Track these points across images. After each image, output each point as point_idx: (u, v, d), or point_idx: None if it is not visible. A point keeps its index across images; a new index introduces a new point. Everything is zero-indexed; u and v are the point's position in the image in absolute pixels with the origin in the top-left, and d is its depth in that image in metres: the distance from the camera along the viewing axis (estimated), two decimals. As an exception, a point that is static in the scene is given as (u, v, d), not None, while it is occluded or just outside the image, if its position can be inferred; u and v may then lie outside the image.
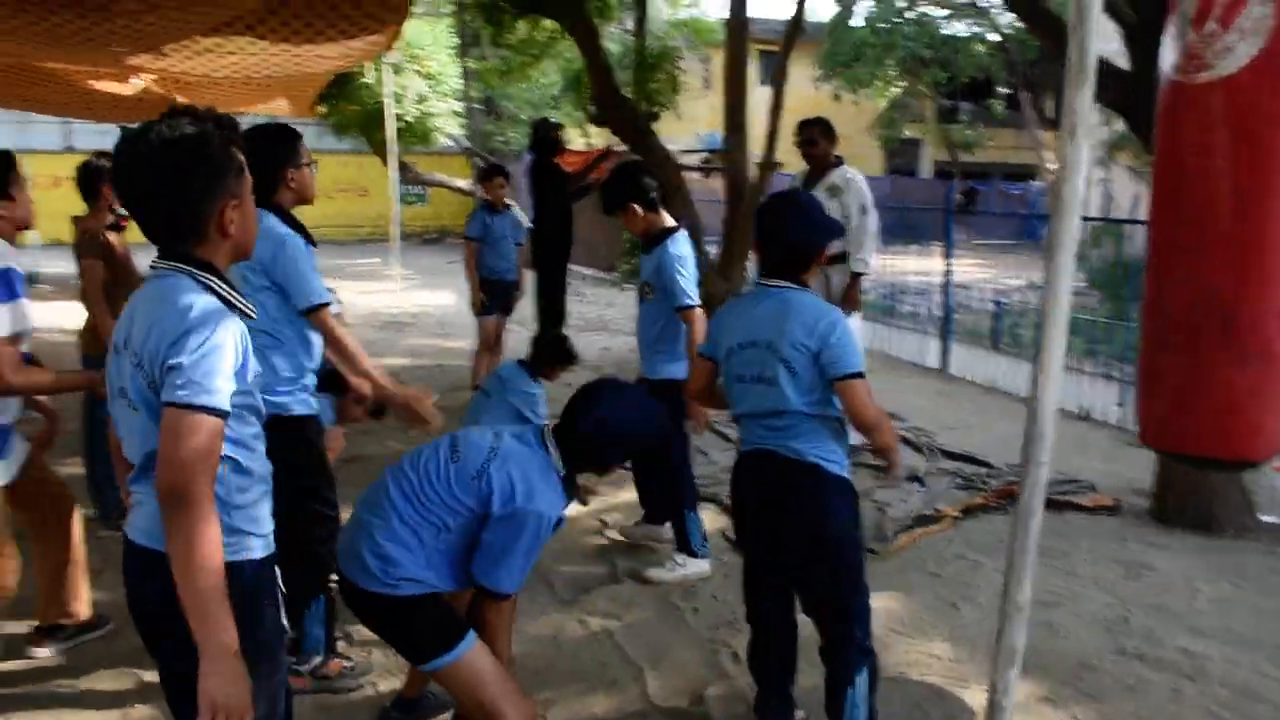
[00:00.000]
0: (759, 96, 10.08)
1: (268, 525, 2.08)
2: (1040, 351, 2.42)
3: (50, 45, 7.11)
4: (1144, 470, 5.36)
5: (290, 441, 3.38)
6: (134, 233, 3.58)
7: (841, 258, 6.02)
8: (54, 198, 25.14)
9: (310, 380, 3.45)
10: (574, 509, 4.83)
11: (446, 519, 2.46)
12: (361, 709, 3.31)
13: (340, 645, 3.57)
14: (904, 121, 29.26)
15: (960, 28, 27.10)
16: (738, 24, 8.89)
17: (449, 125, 16.37)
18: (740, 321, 2.83)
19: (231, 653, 1.79)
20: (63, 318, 9.30)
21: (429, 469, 2.48)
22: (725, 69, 9.16)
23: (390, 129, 13.86)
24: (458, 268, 11.33)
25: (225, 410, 1.82)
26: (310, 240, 3.38)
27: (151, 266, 1.93)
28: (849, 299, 6.00)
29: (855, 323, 6.13)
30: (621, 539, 4.76)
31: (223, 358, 1.81)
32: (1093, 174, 22.68)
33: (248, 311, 1.98)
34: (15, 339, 3.12)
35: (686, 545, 4.35)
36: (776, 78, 9.00)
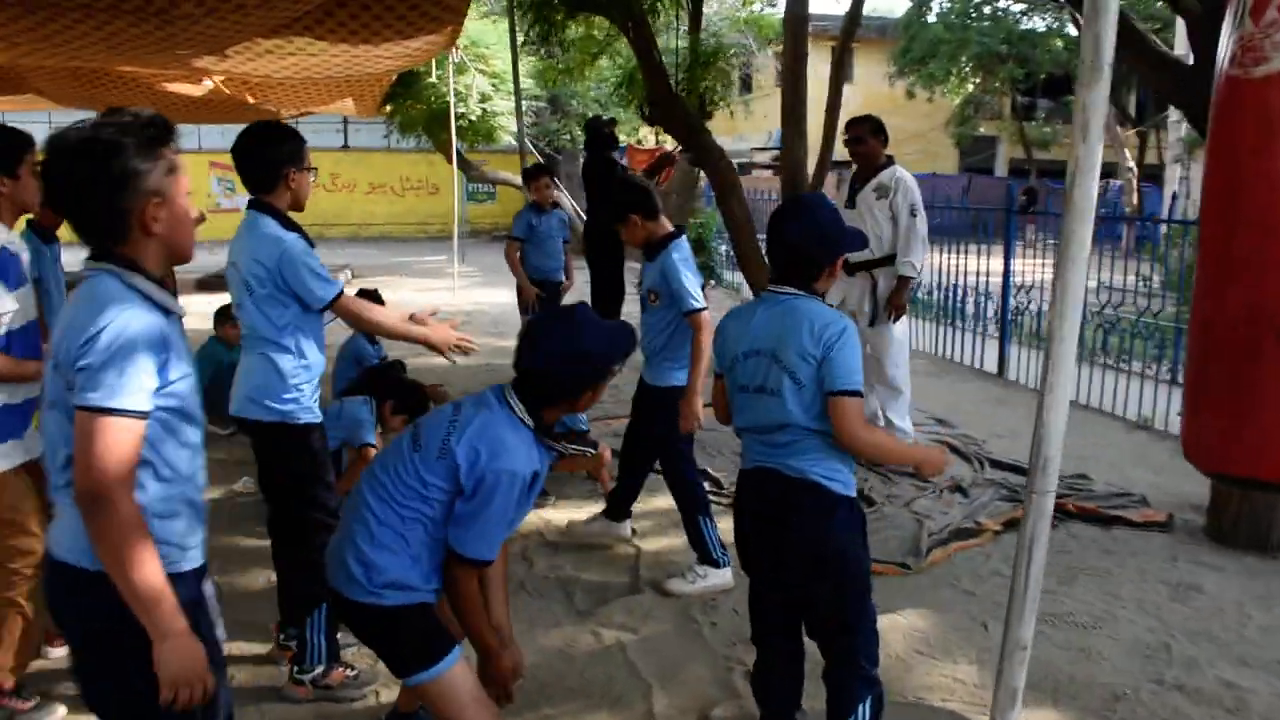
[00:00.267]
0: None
1: (194, 538, 2.02)
2: (1046, 374, 2.27)
3: (117, 50, 7.29)
4: (1202, 484, 5.09)
5: (293, 449, 3.38)
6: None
7: (889, 260, 5.85)
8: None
9: (314, 388, 3.43)
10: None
11: (425, 510, 2.37)
12: (363, 718, 3.27)
13: (351, 652, 3.54)
14: (979, 119, 28.66)
15: (1038, 22, 26.45)
16: (796, 19, 8.72)
17: (512, 124, 16.42)
18: (744, 329, 2.71)
19: (183, 632, 1.83)
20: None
21: (396, 467, 2.40)
22: (783, 66, 9.00)
23: (452, 128, 14.01)
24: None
25: (141, 411, 1.80)
26: (308, 241, 3.36)
27: (82, 268, 1.92)
28: (895, 303, 5.82)
29: (900, 328, 5.96)
30: (631, 546, 4.71)
31: (137, 358, 1.79)
32: (1172, 172, 21.94)
33: (174, 310, 1.95)
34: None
35: (707, 555, 4.25)
36: (834, 74, 8.82)
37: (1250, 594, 4.10)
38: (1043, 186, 27.47)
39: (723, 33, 11.75)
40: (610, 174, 7.78)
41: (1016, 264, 9.10)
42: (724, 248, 13.75)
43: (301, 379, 3.35)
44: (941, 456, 2.76)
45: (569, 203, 13.97)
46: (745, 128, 29.84)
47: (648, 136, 19.76)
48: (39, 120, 25.00)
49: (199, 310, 10.00)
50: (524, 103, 17.64)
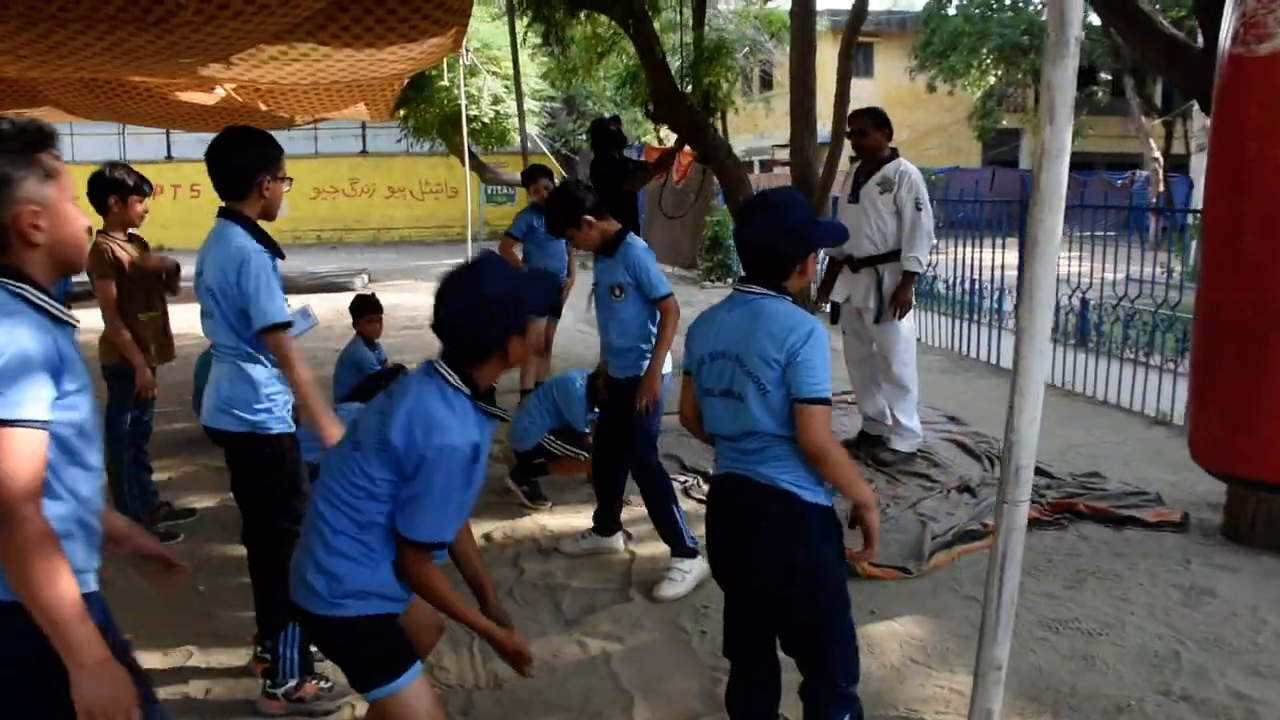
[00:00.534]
0: (854, 87, 9.81)
1: (91, 563, 1.93)
2: (1017, 376, 2.12)
3: (121, 60, 7.28)
4: (1219, 482, 4.91)
5: (265, 460, 3.30)
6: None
7: (894, 255, 5.70)
8: (158, 207, 26.13)
9: (287, 397, 3.35)
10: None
11: (378, 509, 2.25)
12: (335, 733, 3.18)
13: (328, 664, 3.45)
14: (1002, 111, 28.32)
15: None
16: (804, 13, 8.58)
17: (527, 125, 16.32)
18: (711, 329, 2.59)
19: (104, 659, 1.74)
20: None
21: (343, 470, 2.28)
22: (791, 61, 8.87)
23: (465, 131, 13.92)
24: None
25: (41, 421, 1.73)
26: (277, 253, 3.28)
27: None
28: (900, 299, 5.66)
29: (907, 324, 5.80)
30: (626, 552, 4.61)
31: (30, 367, 1.71)
32: (1199, 162, 21.53)
33: (68, 320, 1.87)
34: None
35: (681, 544, 4.19)
36: (841, 67, 8.68)
37: (1266, 597, 3.92)
38: (1069, 177, 27.07)
39: (731, 30, 11.57)
40: (620, 174, 7.64)
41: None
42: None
43: (274, 389, 3.29)
44: (875, 519, 2.52)
45: None
46: (767, 125, 29.68)
47: (668, 136, 19.64)
48: (60, 132, 25.28)
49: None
50: (538, 104, 17.68)
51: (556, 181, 7.24)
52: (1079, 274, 8.44)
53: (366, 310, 6.54)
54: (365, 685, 2.38)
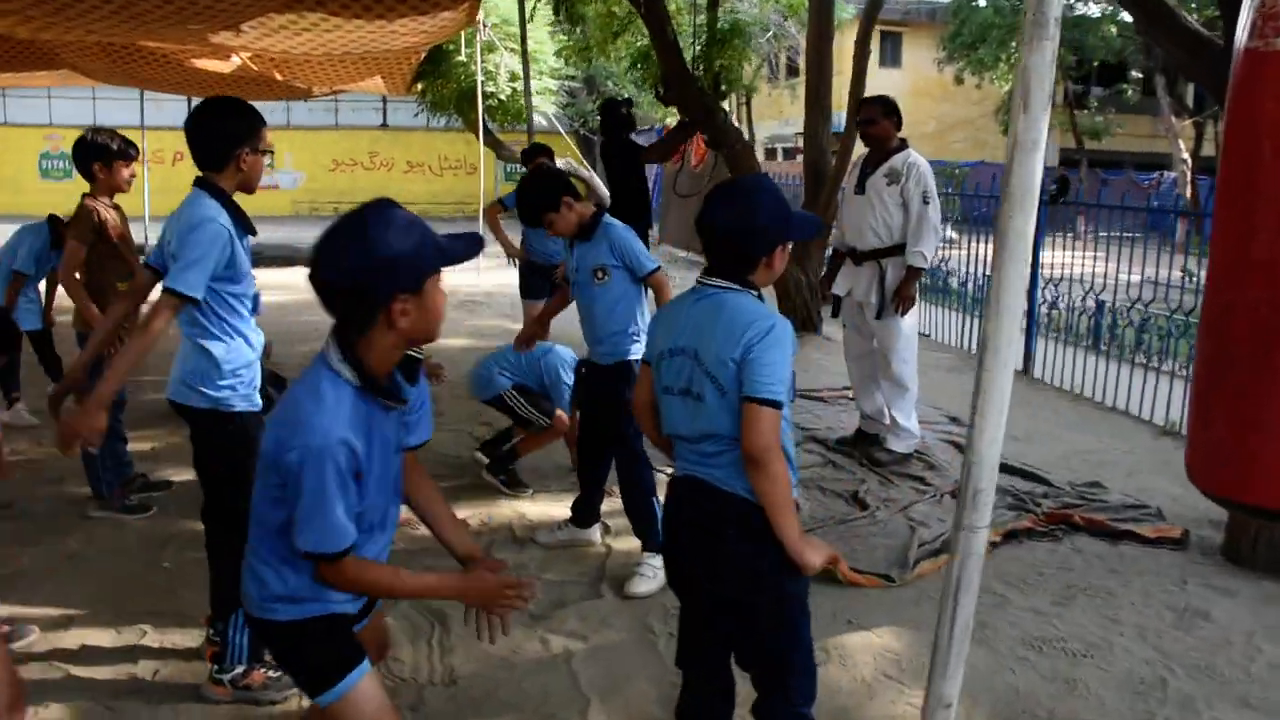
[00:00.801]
0: (881, 78, 9.64)
1: None
2: (979, 391, 1.96)
3: (130, 23, 7.20)
4: (1224, 499, 4.73)
5: (228, 438, 3.18)
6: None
7: (898, 249, 5.52)
8: (177, 173, 26.13)
9: (253, 374, 3.23)
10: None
11: (281, 514, 2.05)
12: (280, 723, 3.06)
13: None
14: (1029, 107, 27.89)
15: (1091, 7, 25.65)
16: (822, 3, 8.39)
17: (544, 103, 16.16)
18: (672, 323, 2.43)
19: None
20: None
21: (259, 471, 2.13)
22: (807, 46, 8.69)
23: (480, 107, 13.80)
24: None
25: None
26: (248, 228, 3.15)
27: None
28: (903, 295, 5.48)
29: (909, 321, 5.62)
30: (599, 547, 4.48)
31: None
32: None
33: None
34: None
35: (655, 541, 4.06)
36: (858, 54, 8.48)
37: (1263, 623, 3.74)
38: (1093, 176, 26.71)
39: (753, 14, 11.34)
40: (634, 159, 7.47)
41: (1061, 256, 8.70)
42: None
43: (238, 364, 3.16)
44: (820, 559, 2.33)
45: (598, 180, 13.70)
46: (792, 111, 29.37)
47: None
48: (83, 96, 25.29)
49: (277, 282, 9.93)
50: (556, 82, 17.48)
51: (558, 162, 7.11)
52: (1097, 275, 8.21)
53: None
54: (311, 690, 2.23)
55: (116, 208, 4.82)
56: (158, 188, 15.34)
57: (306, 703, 3.08)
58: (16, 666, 3.18)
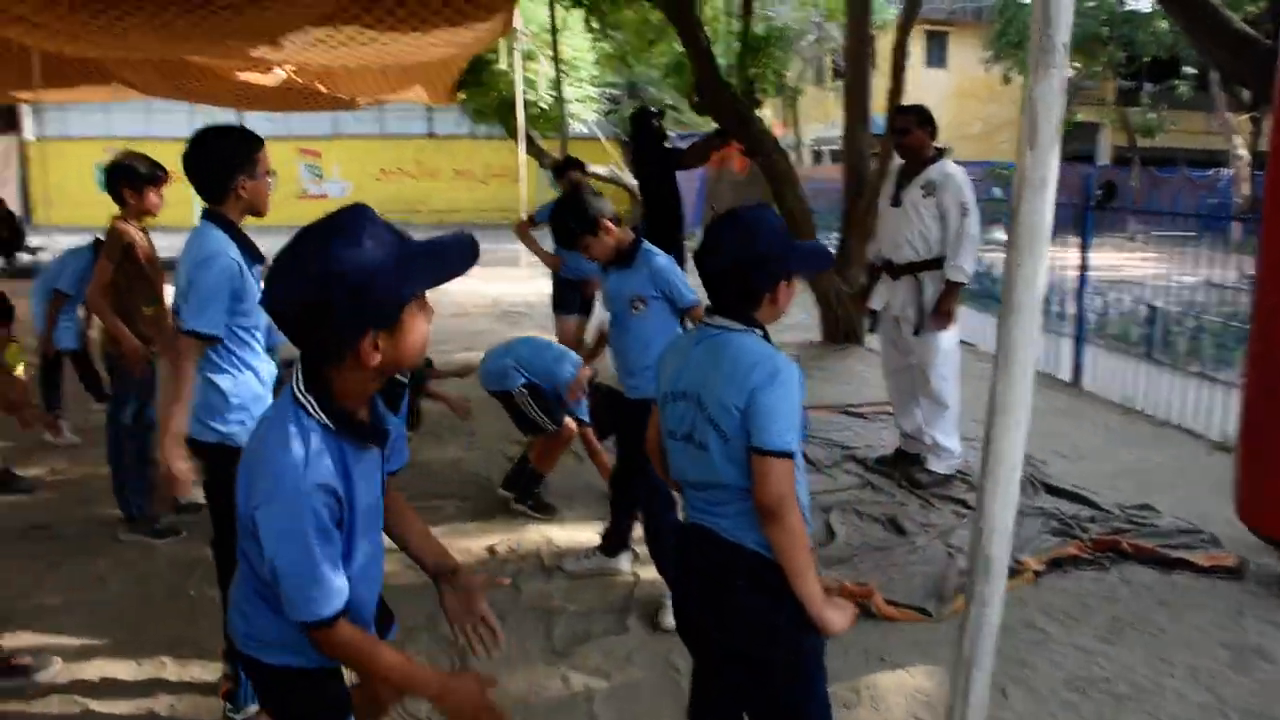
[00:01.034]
0: (927, 79, 9.44)
1: None
2: (989, 452, 1.81)
3: (171, 41, 7.29)
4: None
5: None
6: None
7: (936, 263, 5.34)
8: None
9: (262, 408, 3.16)
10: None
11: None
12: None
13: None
14: (1079, 105, 27.35)
15: (1143, 3, 25.07)
16: (860, 6, 8.22)
17: (584, 111, 16.12)
18: (675, 364, 2.30)
19: None
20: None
21: None
22: (846, 49, 8.52)
23: (520, 115, 13.76)
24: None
25: None
26: (257, 257, 3.09)
27: None
28: (942, 310, 5.31)
29: (949, 337, 5.44)
30: (627, 575, 4.36)
31: None
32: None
33: None
34: None
35: (622, 546, 4.03)
36: (896, 59, 8.27)
37: (1327, 665, 3.54)
38: (1147, 175, 26.12)
39: (795, 17, 11.19)
40: (665, 169, 7.32)
41: (1112, 257, 8.43)
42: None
43: (246, 398, 3.11)
44: (843, 622, 2.18)
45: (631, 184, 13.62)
46: (838, 114, 29.00)
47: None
48: (138, 109, 25.72)
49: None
50: (598, 89, 17.43)
51: (600, 169, 7.01)
52: (1151, 277, 7.95)
53: None
54: None
55: (144, 231, 4.80)
56: None
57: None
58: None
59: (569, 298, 6.95)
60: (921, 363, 5.46)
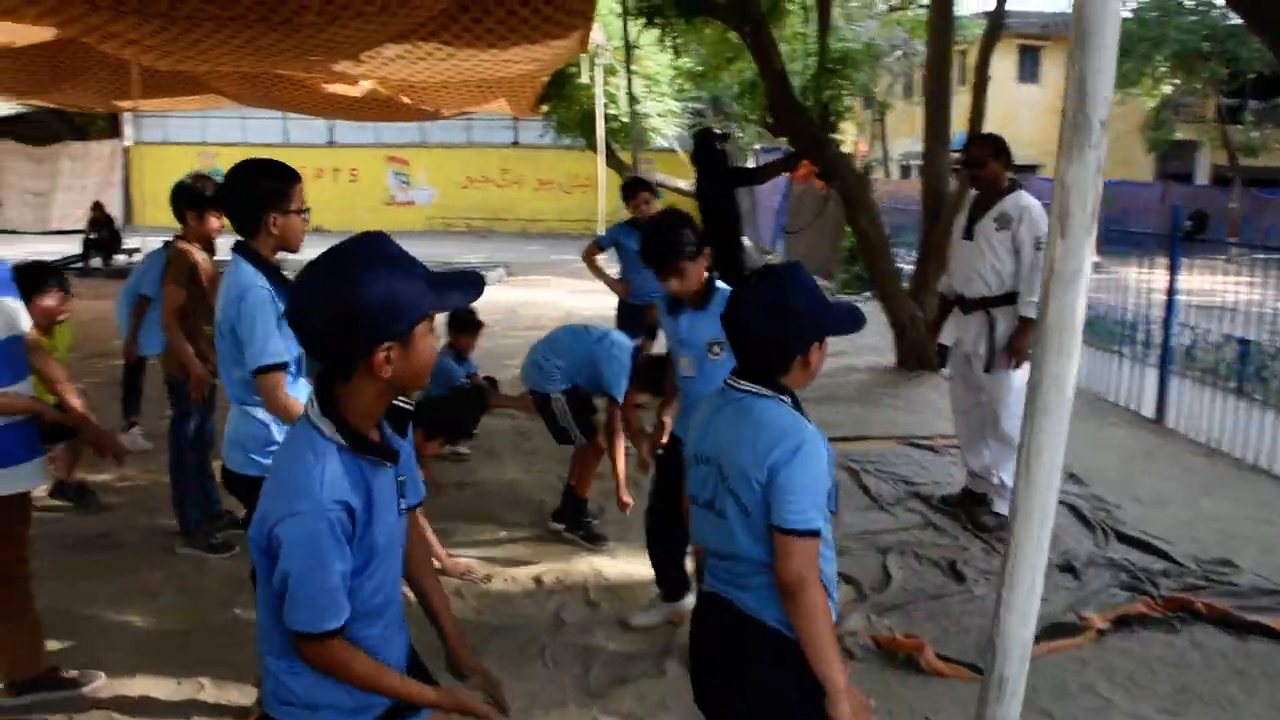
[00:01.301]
0: (1018, 94, 9.20)
1: None
2: (1009, 563, 1.69)
3: (256, 56, 7.50)
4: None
5: None
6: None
7: (1009, 298, 5.15)
8: (318, 189, 27.10)
9: None
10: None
11: None
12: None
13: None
14: (1178, 122, 26.43)
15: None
16: (941, 22, 8.02)
17: (666, 125, 16.09)
18: (700, 425, 2.22)
19: None
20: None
21: None
22: (926, 73, 8.33)
23: (600, 129, 13.79)
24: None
25: None
26: (286, 287, 3.09)
27: None
28: (1015, 348, 5.11)
29: (1021, 375, 5.23)
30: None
31: None
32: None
33: None
34: None
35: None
36: (978, 78, 8.05)
37: None
38: (1249, 195, 25.09)
39: (878, 32, 10.99)
40: (729, 195, 7.17)
41: (1205, 281, 8.05)
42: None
43: (286, 429, 3.11)
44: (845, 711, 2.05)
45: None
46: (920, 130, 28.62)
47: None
48: (234, 116, 26.52)
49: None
50: (681, 104, 17.38)
51: (680, 183, 6.94)
52: (1246, 303, 7.56)
53: (464, 326, 6.47)
54: None
55: (208, 252, 4.88)
56: (339, 202, 15.73)
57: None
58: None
59: (633, 321, 6.90)
60: (992, 401, 5.27)
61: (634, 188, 6.94)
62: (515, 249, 22.85)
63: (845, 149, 14.50)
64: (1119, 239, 9.31)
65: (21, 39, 7.38)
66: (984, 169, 5.20)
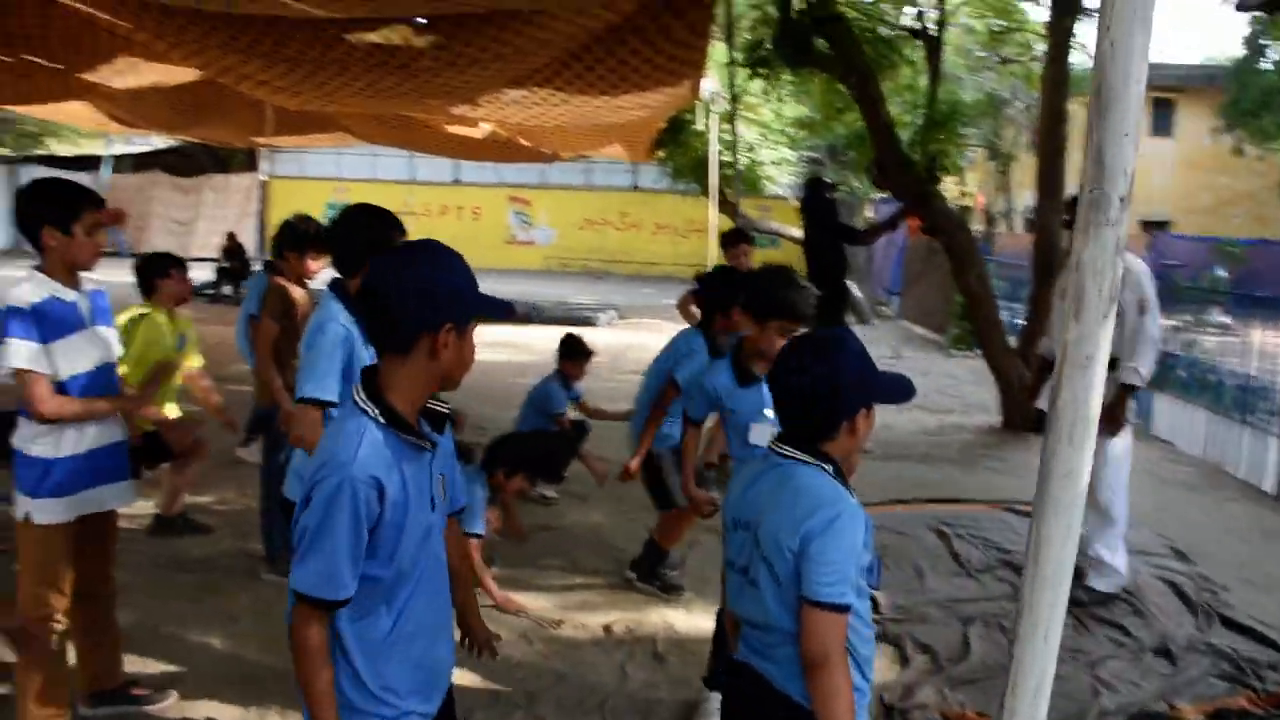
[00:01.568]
0: (1151, 148, 8.92)
1: None
2: (1018, 627, 1.62)
3: (377, 98, 7.86)
4: None
5: None
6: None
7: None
8: (442, 225, 27.85)
9: None
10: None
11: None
12: None
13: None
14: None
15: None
16: (1056, 79, 7.83)
17: (781, 174, 16.06)
18: (741, 490, 2.19)
19: None
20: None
21: None
22: (1040, 127, 8.13)
23: (714, 176, 13.85)
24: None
25: None
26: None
27: None
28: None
29: (1120, 444, 5.03)
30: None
31: None
32: None
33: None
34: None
35: None
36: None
37: None
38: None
39: (997, 83, 10.79)
40: (837, 246, 7.12)
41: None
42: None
43: None
44: None
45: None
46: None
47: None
48: (365, 153, 27.61)
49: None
50: (797, 153, 17.34)
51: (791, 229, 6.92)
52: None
53: (573, 353, 6.47)
54: None
55: (305, 288, 5.04)
56: (463, 238, 16.24)
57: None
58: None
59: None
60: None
61: (734, 239, 6.95)
62: (629, 291, 23.02)
63: (964, 201, 14.27)
64: (1247, 301, 8.88)
65: (171, 79, 7.90)
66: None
